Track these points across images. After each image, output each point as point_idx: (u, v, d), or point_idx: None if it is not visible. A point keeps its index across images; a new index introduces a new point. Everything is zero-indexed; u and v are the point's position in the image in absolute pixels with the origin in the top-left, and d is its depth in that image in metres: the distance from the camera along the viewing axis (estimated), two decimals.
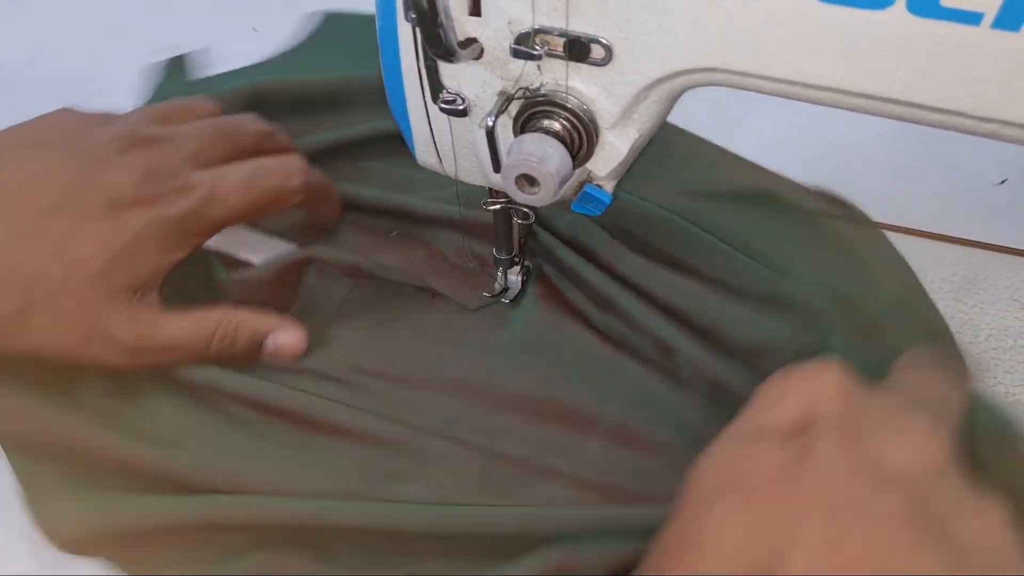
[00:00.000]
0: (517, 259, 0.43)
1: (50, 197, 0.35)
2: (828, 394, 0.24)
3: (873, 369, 0.28)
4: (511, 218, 0.40)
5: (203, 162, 0.39)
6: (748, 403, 0.25)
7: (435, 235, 0.46)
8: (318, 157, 0.47)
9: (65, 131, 0.38)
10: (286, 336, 0.40)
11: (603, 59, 0.29)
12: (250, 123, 0.42)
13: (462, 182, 0.38)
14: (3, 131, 0.38)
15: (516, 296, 0.43)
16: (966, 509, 0.22)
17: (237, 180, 0.39)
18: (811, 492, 0.22)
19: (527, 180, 0.30)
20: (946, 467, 0.23)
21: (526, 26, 0.29)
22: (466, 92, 0.33)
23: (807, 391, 0.24)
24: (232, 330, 0.38)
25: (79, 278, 0.34)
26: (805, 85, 0.28)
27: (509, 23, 0.30)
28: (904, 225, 0.48)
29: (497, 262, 0.43)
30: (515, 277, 0.43)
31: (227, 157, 0.40)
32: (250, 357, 0.39)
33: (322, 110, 0.53)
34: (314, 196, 0.42)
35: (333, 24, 0.60)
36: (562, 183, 0.31)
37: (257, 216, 0.41)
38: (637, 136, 0.32)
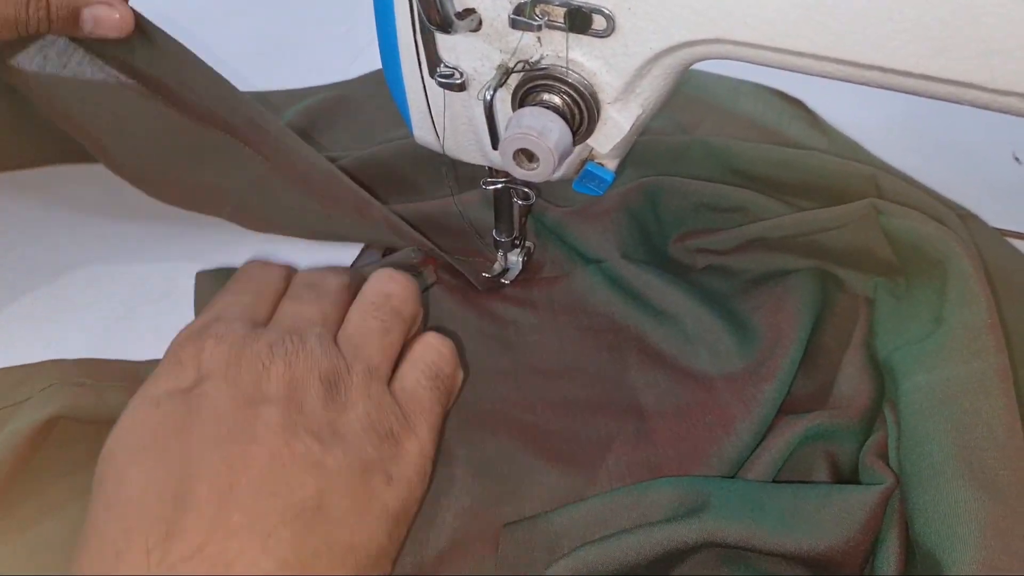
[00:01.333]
0: (517, 241, 0.42)
1: None
2: (211, 348, 0.29)
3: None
4: (511, 199, 0.39)
5: None
6: (155, 370, 0.30)
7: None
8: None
9: None
10: (107, 11, 0.37)
11: (605, 30, 0.28)
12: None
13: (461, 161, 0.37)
14: None
15: (516, 277, 0.43)
16: (336, 403, 0.29)
17: None
18: (206, 430, 0.27)
19: (526, 155, 0.30)
20: (306, 380, 0.29)
21: None
22: (464, 66, 0.32)
23: (195, 351, 0.29)
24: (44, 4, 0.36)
25: None
26: (815, 57, 0.27)
27: None
28: None
29: (497, 244, 0.42)
30: (516, 258, 0.43)
31: None
32: (68, 30, 0.37)
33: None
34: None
35: None
36: (562, 159, 0.30)
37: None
38: (640, 112, 0.31)
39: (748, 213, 0.42)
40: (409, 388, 0.32)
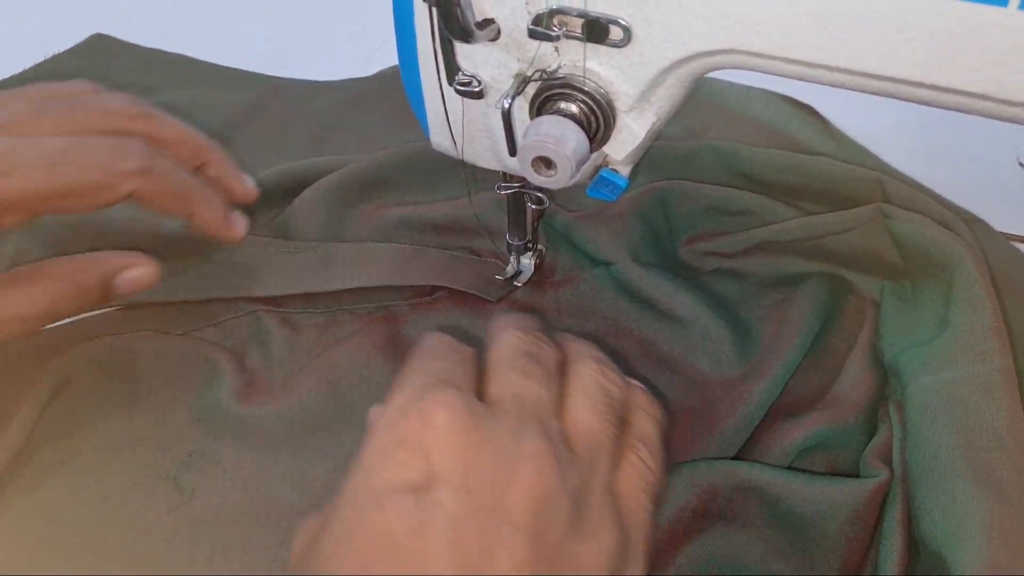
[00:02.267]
0: (530, 244, 0.43)
1: None
2: (442, 441, 0.24)
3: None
4: (524, 203, 0.40)
5: (21, 129, 0.33)
6: (363, 455, 0.25)
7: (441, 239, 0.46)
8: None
9: None
10: (133, 271, 0.35)
11: (621, 40, 0.29)
12: (110, 99, 0.35)
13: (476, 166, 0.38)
14: None
15: (528, 280, 0.43)
16: (579, 533, 0.24)
17: (46, 151, 0.32)
18: (442, 554, 0.22)
19: (543, 162, 0.30)
20: (556, 499, 0.24)
21: (543, 6, 0.29)
22: (482, 74, 0.32)
23: (421, 440, 0.24)
24: (73, 284, 0.33)
25: None
26: (826, 68, 0.27)
27: (526, 3, 0.29)
28: None
29: (510, 247, 0.43)
30: (528, 261, 0.43)
31: (58, 131, 0.34)
32: (104, 302, 0.36)
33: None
34: (160, 192, 0.35)
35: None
36: (579, 166, 0.30)
37: (73, 204, 0.33)
38: (655, 120, 0.32)
39: (756, 216, 0.43)
40: (634, 510, 0.27)
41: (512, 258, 0.43)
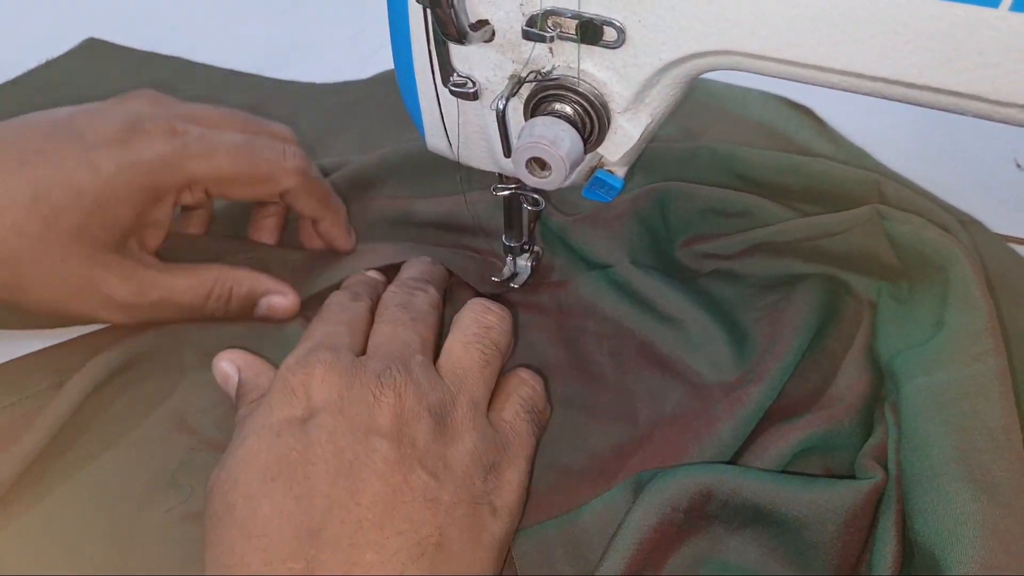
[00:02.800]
0: (527, 246, 0.43)
1: (31, 145, 0.34)
2: (320, 386, 0.30)
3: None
4: (521, 204, 0.40)
5: (204, 123, 0.38)
6: (263, 401, 0.31)
7: (439, 236, 0.46)
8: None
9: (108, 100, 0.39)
10: (279, 298, 0.40)
11: (616, 41, 0.29)
12: (276, 126, 0.42)
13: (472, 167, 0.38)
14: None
15: (525, 282, 0.43)
16: (444, 438, 0.30)
17: (230, 141, 0.38)
18: (328, 462, 0.28)
19: (538, 163, 0.30)
20: (416, 413, 0.29)
21: (538, 7, 0.29)
22: (477, 75, 0.32)
23: (305, 387, 0.30)
24: (227, 289, 0.39)
25: (59, 231, 0.34)
26: (820, 68, 0.27)
27: (521, 4, 0.29)
28: None
29: (506, 249, 0.43)
30: (524, 263, 0.43)
31: (239, 128, 0.40)
32: (243, 316, 0.40)
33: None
34: (309, 192, 0.40)
35: None
36: (573, 167, 0.30)
37: (246, 192, 0.39)
38: (649, 121, 0.32)
39: (753, 217, 0.43)
40: (508, 420, 0.32)
41: (509, 259, 0.43)
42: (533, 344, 0.41)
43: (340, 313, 0.35)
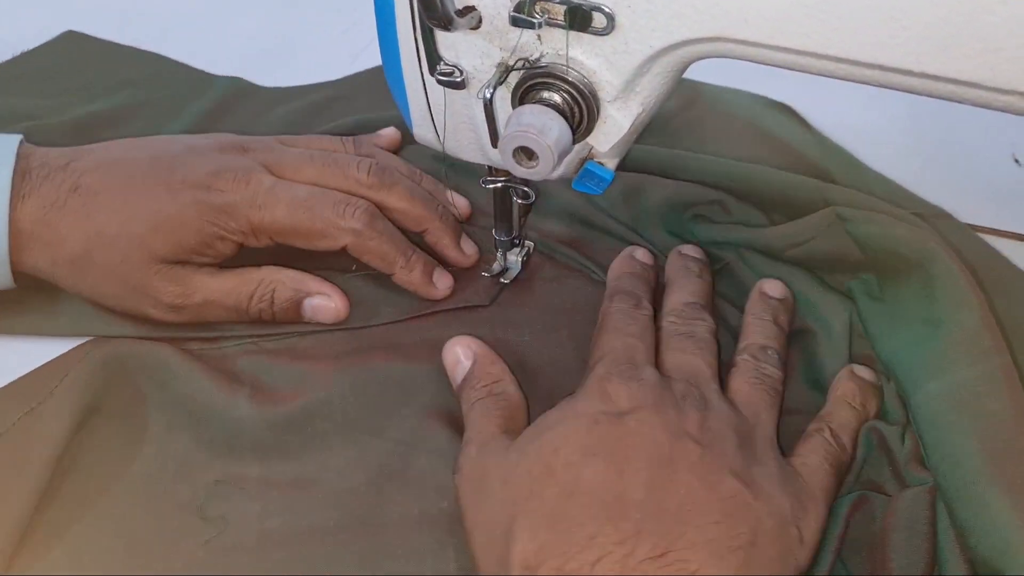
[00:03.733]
0: (517, 240, 0.42)
1: (137, 169, 0.39)
2: (631, 395, 0.31)
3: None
4: (511, 197, 0.39)
5: (283, 173, 0.41)
6: (576, 401, 0.32)
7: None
8: None
9: (208, 137, 0.43)
10: (324, 300, 0.40)
11: (605, 28, 0.28)
12: (358, 164, 0.42)
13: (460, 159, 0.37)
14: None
15: (516, 276, 0.43)
16: (748, 457, 0.30)
17: (292, 195, 0.39)
18: (646, 450, 0.29)
19: (525, 153, 0.30)
20: (722, 431, 0.31)
21: None
22: (464, 63, 0.32)
23: (617, 394, 0.32)
24: (271, 289, 0.40)
25: (128, 235, 0.38)
26: (816, 56, 0.27)
27: None
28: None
29: (497, 243, 0.42)
30: (515, 258, 0.43)
31: (315, 176, 0.41)
32: (290, 319, 0.40)
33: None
34: (367, 250, 0.40)
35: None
36: (561, 157, 0.30)
37: (306, 243, 0.40)
38: (640, 111, 0.31)
39: (725, 207, 0.42)
40: (812, 466, 0.32)
41: (499, 254, 0.43)
42: (528, 340, 0.40)
43: (630, 323, 0.36)
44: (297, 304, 0.40)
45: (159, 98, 0.56)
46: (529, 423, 0.34)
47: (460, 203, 0.46)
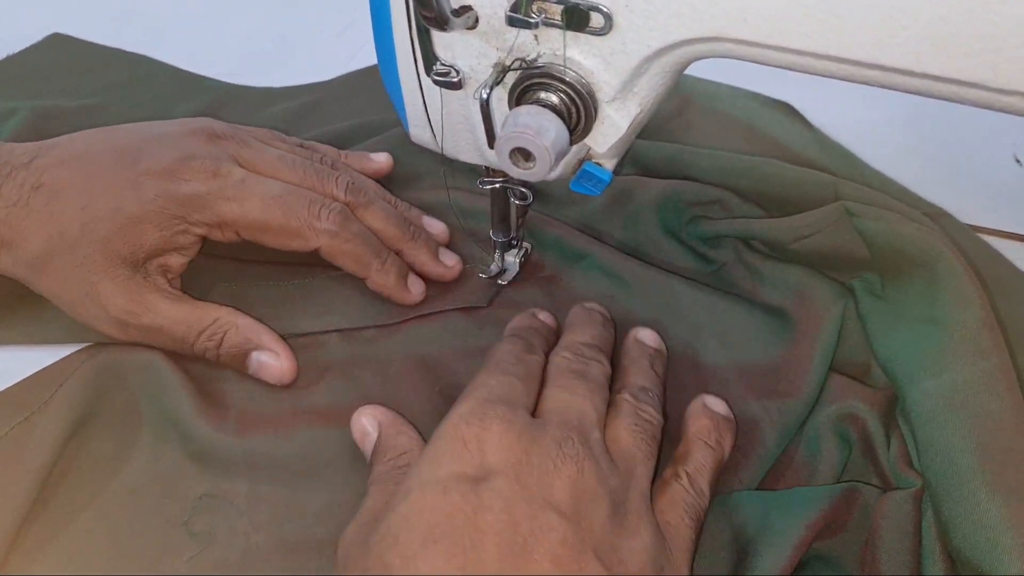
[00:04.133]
0: (515, 241, 0.42)
1: (100, 163, 0.38)
2: (496, 443, 0.28)
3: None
4: (508, 198, 0.39)
5: (256, 169, 0.39)
6: (428, 452, 0.29)
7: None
8: None
9: (176, 123, 0.41)
10: (272, 358, 0.38)
11: (602, 28, 0.28)
12: (341, 182, 0.41)
13: (459, 160, 0.37)
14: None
15: (513, 277, 0.42)
16: (620, 528, 0.28)
17: (266, 190, 0.38)
18: (499, 533, 0.26)
19: (522, 154, 0.29)
20: (595, 494, 0.28)
21: None
22: (460, 64, 0.31)
23: (479, 442, 0.28)
24: (223, 331, 0.38)
25: (90, 238, 0.36)
26: (815, 55, 0.26)
27: None
28: None
29: (494, 244, 0.42)
30: (512, 259, 0.42)
31: (290, 179, 0.40)
32: (235, 367, 0.38)
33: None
34: (341, 252, 0.39)
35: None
36: (558, 158, 0.29)
37: (276, 242, 0.39)
38: (638, 111, 0.31)
39: (725, 206, 0.42)
40: (673, 523, 0.30)
41: (496, 255, 0.42)
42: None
43: (514, 365, 0.33)
44: (244, 354, 0.38)
45: (146, 100, 0.56)
46: None
47: (437, 228, 0.44)
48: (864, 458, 0.34)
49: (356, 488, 0.33)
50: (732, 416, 0.34)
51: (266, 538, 0.33)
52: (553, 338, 0.38)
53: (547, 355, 0.35)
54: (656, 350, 0.37)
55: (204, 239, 0.39)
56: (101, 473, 0.35)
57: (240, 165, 0.39)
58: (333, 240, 0.39)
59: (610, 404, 0.33)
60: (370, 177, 0.45)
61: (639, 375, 0.35)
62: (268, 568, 0.32)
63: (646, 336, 0.37)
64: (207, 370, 0.38)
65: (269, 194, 0.38)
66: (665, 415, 0.34)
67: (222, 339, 0.38)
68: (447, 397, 0.36)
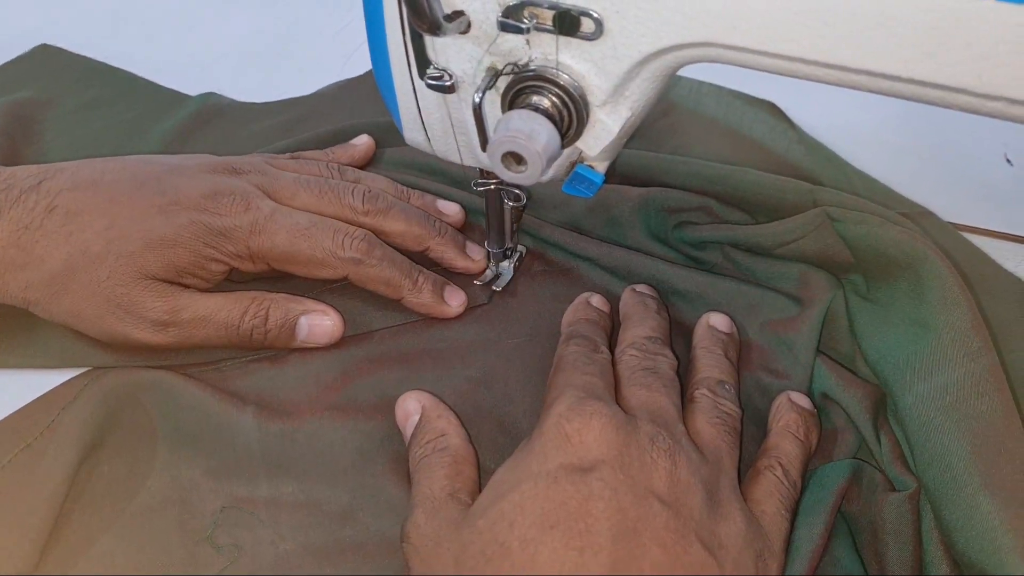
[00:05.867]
0: (509, 251, 0.42)
1: (121, 190, 0.38)
2: (598, 438, 0.29)
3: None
4: (503, 200, 0.39)
5: (278, 197, 0.40)
6: (533, 447, 0.30)
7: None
8: None
9: (185, 158, 0.43)
10: (321, 317, 0.39)
11: (593, 33, 0.28)
12: (351, 191, 0.42)
13: (451, 162, 0.37)
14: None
15: (508, 283, 0.42)
16: (715, 514, 0.29)
17: (293, 223, 0.39)
18: (609, 518, 0.27)
19: (514, 158, 0.29)
20: (690, 484, 0.29)
21: None
22: (453, 68, 0.32)
23: (581, 437, 0.29)
24: (264, 309, 0.39)
25: (116, 253, 0.37)
26: (804, 61, 0.26)
27: None
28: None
29: (490, 255, 0.42)
30: (507, 264, 0.42)
31: (310, 199, 0.41)
32: (283, 342, 0.39)
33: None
34: (368, 278, 0.40)
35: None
36: (550, 161, 0.30)
37: (305, 271, 0.40)
38: (629, 115, 0.31)
39: (709, 211, 0.42)
40: (770, 513, 0.31)
41: (491, 262, 0.42)
42: (520, 345, 0.40)
43: (589, 364, 0.34)
44: (292, 322, 0.39)
45: (128, 119, 0.56)
46: (485, 463, 0.34)
47: (451, 209, 0.45)
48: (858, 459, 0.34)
49: (371, 489, 0.34)
50: (815, 410, 0.36)
51: (295, 546, 0.33)
52: (609, 324, 0.39)
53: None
54: (728, 335, 0.38)
55: (231, 270, 0.40)
56: (116, 495, 0.34)
57: (267, 196, 0.40)
58: (359, 267, 0.39)
59: (689, 399, 0.34)
60: (360, 164, 0.47)
61: (715, 367, 0.36)
62: (303, 572, 0.32)
63: (718, 322, 0.38)
64: (221, 380, 0.38)
65: (296, 226, 0.39)
66: (741, 405, 0.35)
67: (267, 313, 0.38)
68: (471, 381, 0.38)
